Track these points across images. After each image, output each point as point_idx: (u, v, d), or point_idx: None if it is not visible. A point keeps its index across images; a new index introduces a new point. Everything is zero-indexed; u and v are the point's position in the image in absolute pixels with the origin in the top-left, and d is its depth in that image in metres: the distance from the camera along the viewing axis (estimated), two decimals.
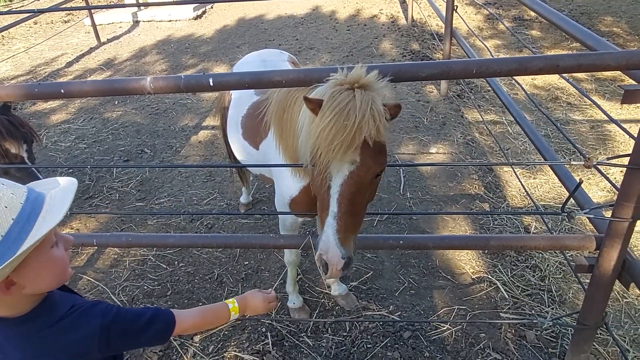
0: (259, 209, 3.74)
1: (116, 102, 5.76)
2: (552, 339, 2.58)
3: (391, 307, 2.79)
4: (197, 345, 2.59)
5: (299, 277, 3.01)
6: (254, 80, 1.84)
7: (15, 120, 2.89)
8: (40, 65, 7.32)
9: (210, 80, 1.95)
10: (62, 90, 2.02)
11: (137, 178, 4.18)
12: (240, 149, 2.63)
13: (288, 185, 2.22)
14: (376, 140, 1.49)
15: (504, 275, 2.99)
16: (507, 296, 2.84)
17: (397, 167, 4.09)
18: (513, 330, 2.63)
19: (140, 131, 5.02)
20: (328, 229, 1.54)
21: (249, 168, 2.93)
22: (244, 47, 7.31)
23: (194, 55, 7.23)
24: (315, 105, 1.54)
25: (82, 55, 7.63)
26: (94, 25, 8.07)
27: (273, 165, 2.16)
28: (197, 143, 4.73)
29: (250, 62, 2.93)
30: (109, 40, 8.26)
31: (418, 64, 1.88)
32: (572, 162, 1.74)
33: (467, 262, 3.11)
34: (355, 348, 2.54)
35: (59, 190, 1.10)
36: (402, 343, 2.56)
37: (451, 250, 3.19)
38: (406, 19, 7.87)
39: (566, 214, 2.02)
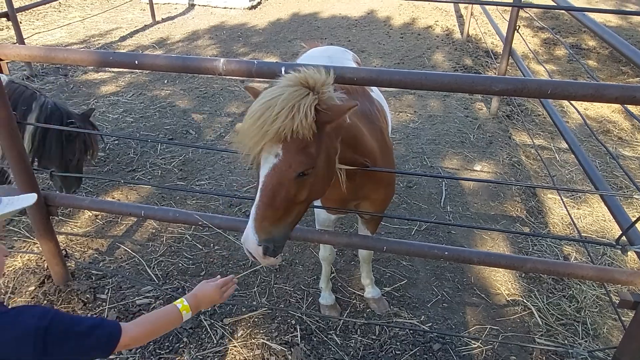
0: None
1: (165, 81, 5.88)
2: None
3: (422, 317, 2.76)
4: (227, 328, 2.61)
5: (332, 275, 3.01)
6: None
7: (80, 135, 3.04)
8: (94, 36, 7.54)
9: (283, 69, 1.97)
10: (136, 62, 2.08)
11: (180, 157, 4.26)
12: None
13: None
14: (296, 138, 1.47)
15: (539, 302, 2.91)
16: (540, 323, 2.77)
17: (440, 180, 4.04)
18: (544, 358, 2.57)
19: (187, 112, 5.11)
20: (250, 217, 1.55)
21: None
22: (295, 42, 7.35)
23: (246, 44, 7.32)
24: (254, 94, 1.63)
25: (136, 32, 7.83)
26: (150, 3, 8.26)
27: None
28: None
29: (315, 57, 2.94)
30: (164, 20, 8.44)
31: (492, 77, 1.85)
32: (634, 196, 1.69)
33: (503, 283, 3.05)
34: (383, 353, 2.52)
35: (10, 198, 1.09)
36: (431, 354, 2.52)
37: (488, 269, 3.14)
38: (461, 34, 7.77)
39: (620, 247, 1.96)
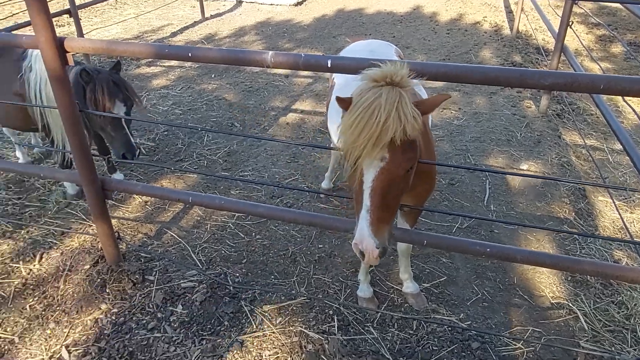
0: (339, 194, 3.77)
1: (212, 76, 6.05)
2: None
3: (462, 315, 2.72)
4: (267, 314, 2.68)
5: (371, 268, 3.02)
6: (365, 68, 1.86)
7: (120, 82, 3.11)
8: (147, 32, 7.86)
9: (329, 62, 2.01)
10: (190, 54, 2.17)
11: (225, 149, 4.39)
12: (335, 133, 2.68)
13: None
14: (403, 139, 1.51)
15: (585, 306, 2.81)
16: (586, 327, 2.67)
17: (483, 178, 3.96)
18: None
19: (232, 105, 5.25)
20: (362, 221, 1.63)
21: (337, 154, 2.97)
22: (340, 37, 7.38)
23: (291, 40, 7.42)
24: (346, 105, 1.60)
25: (186, 28, 8.09)
26: (200, 0, 8.51)
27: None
28: (284, 124, 4.87)
29: (358, 51, 2.96)
30: (212, 17, 8.68)
31: (541, 71, 1.81)
32: None
33: (548, 286, 2.96)
34: (420, 348, 2.51)
35: None
36: (469, 352, 2.49)
37: (532, 270, 3.05)
38: (510, 30, 7.54)
39: None
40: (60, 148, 3.23)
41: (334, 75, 3.02)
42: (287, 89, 5.69)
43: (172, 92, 5.62)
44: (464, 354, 2.49)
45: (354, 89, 2.56)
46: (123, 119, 3.05)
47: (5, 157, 4.25)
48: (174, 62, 6.55)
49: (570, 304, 2.82)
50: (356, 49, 3.03)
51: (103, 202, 2.68)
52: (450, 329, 2.62)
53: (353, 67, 1.93)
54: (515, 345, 2.55)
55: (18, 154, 4.03)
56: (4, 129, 3.85)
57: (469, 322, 2.68)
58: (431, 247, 2.65)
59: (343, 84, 2.74)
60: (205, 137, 4.55)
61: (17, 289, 2.79)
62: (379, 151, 1.54)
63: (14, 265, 2.97)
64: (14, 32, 4.93)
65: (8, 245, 3.14)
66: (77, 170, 2.57)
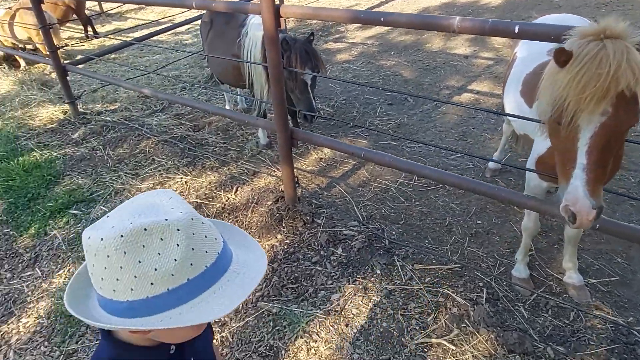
0: (504, 179, 3.67)
1: (392, 53, 6.28)
2: None
3: (631, 319, 2.47)
4: (416, 272, 2.84)
5: (531, 252, 2.92)
6: (559, 34, 1.81)
7: (310, 51, 3.49)
8: None
9: (517, 27, 2.01)
10: (382, 19, 2.38)
11: (396, 121, 4.59)
12: (514, 106, 2.64)
13: (539, 143, 2.20)
14: (632, 93, 1.42)
15: None
16: None
17: None
18: None
19: (407, 82, 5.40)
20: (576, 180, 1.55)
21: (516, 130, 2.90)
22: (529, 20, 6.86)
23: None
24: (565, 57, 1.49)
25: (372, 8, 8.45)
26: None
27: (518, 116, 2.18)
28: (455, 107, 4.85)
29: (548, 24, 2.81)
30: None
31: None
32: None
33: None
34: (575, 339, 2.38)
35: (247, 263, 0.96)
36: (633, 356, 2.27)
37: None
38: None
39: None
40: (259, 100, 3.83)
41: (517, 49, 2.93)
42: (465, 69, 5.59)
43: (352, 66, 6.02)
44: (625, 356, 2.28)
45: (536, 58, 2.49)
46: (308, 85, 3.47)
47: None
48: (357, 39, 6.96)
49: None
50: (546, 22, 2.88)
51: (290, 149, 3.14)
52: (613, 328, 2.41)
53: (544, 33, 1.90)
54: None
55: (227, 106, 4.88)
56: (221, 85, 4.71)
57: (638, 329, 2.42)
58: (602, 232, 2.41)
59: (527, 57, 2.66)
60: (379, 109, 4.82)
61: (217, 211, 3.48)
62: (604, 105, 1.47)
63: (217, 192, 3.68)
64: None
65: (214, 177, 3.89)
66: (274, 118, 3.06)
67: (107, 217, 0.88)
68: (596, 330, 2.42)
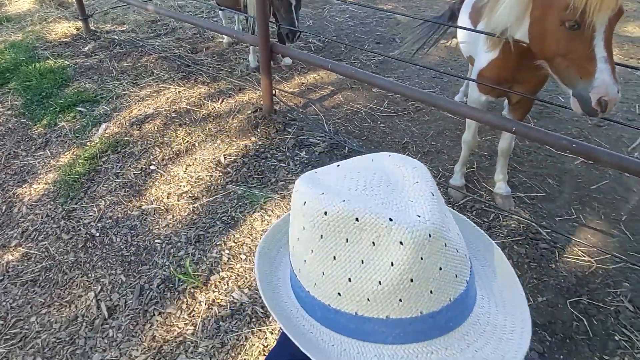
0: None
1: None
2: None
3: (544, 222, 2.85)
4: None
5: (473, 168, 3.28)
6: None
7: None
8: None
9: None
10: None
11: (380, 58, 4.88)
12: (463, 31, 2.94)
13: (480, 59, 2.50)
14: None
15: None
16: None
17: None
18: None
19: (400, 24, 5.64)
20: (603, 73, 1.80)
21: (464, 54, 3.20)
22: None
23: None
24: None
25: None
26: None
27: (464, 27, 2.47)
28: (442, 46, 5.10)
29: None
30: None
31: None
32: None
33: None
34: (488, 232, 2.78)
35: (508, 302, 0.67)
36: (534, 248, 2.67)
37: None
38: None
39: None
40: (252, 18, 4.15)
41: None
42: None
43: (350, 7, 6.24)
44: (527, 246, 2.67)
45: None
46: (293, 5, 3.78)
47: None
48: None
49: None
50: None
51: (269, 61, 3.49)
52: (525, 227, 2.80)
53: None
54: (585, 258, 2.62)
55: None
56: (220, 11, 5.01)
57: (548, 231, 2.81)
58: (519, 135, 2.71)
59: None
60: (366, 46, 5.10)
61: (203, 116, 3.87)
62: (615, 2, 1.77)
63: (205, 101, 4.07)
64: None
65: (204, 89, 4.28)
66: (258, 33, 3.39)
67: (336, 170, 0.68)
68: (509, 228, 2.81)
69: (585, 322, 2.34)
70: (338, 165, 0.70)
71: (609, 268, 2.57)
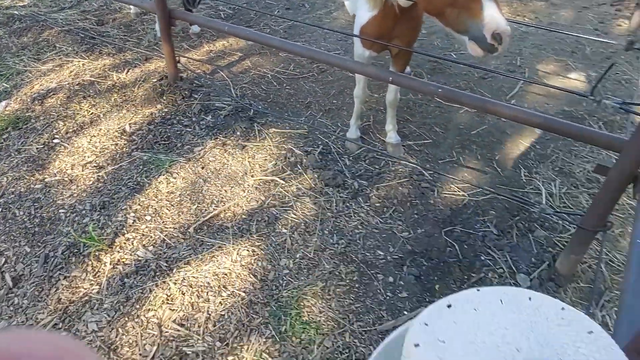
0: None
1: None
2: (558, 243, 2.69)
3: (428, 165, 3.16)
4: (270, 134, 3.39)
5: (369, 122, 3.53)
6: None
7: None
8: None
9: None
10: None
11: (289, 23, 4.99)
12: None
13: (361, 16, 2.69)
14: None
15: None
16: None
17: (520, 80, 4.05)
18: (527, 224, 2.80)
19: None
20: (489, 9, 1.90)
21: (350, 13, 3.39)
22: None
23: None
24: None
25: None
26: None
27: None
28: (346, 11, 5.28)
29: None
30: None
31: None
32: None
33: (523, 165, 3.21)
34: (378, 177, 3.05)
35: None
36: (416, 187, 2.97)
37: (520, 147, 3.30)
38: None
39: (594, 98, 2.09)
40: None
41: None
42: None
43: None
44: (411, 187, 2.97)
45: None
46: None
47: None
48: None
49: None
50: None
51: (169, 27, 3.52)
52: (410, 172, 3.10)
53: None
54: (460, 193, 2.96)
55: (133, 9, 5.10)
56: None
57: (430, 172, 3.12)
58: (395, 84, 2.91)
59: None
60: (276, 11, 5.18)
61: (108, 87, 3.86)
62: None
63: (110, 72, 4.05)
64: None
65: (109, 60, 4.23)
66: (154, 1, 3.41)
67: (468, 325, 0.51)
68: (397, 172, 3.10)
69: (457, 247, 2.68)
70: (474, 310, 0.50)
71: (479, 200, 2.92)
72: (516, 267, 2.59)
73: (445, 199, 2.93)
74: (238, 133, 3.39)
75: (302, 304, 2.36)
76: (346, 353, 2.18)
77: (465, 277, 2.59)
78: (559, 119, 2.44)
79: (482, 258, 2.65)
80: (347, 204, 2.88)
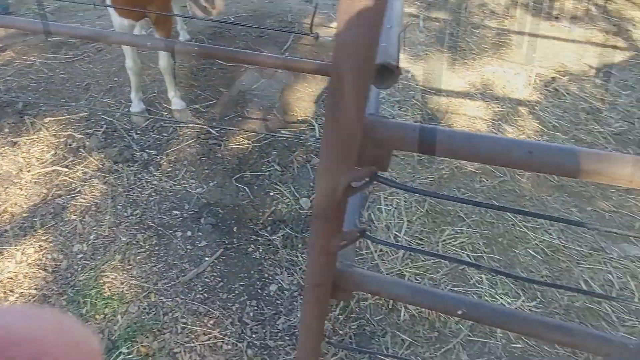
0: None
1: None
2: None
3: (214, 124, 3.35)
4: (46, 124, 3.22)
5: (154, 94, 3.57)
6: None
7: None
8: None
9: None
10: None
11: (57, 5, 4.64)
12: None
13: None
14: None
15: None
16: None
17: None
18: (305, 156, 3.19)
19: None
20: None
21: None
22: None
23: None
24: None
25: None
26: None
27: None
28: None
29: None
30: None
31: None
32: None
33: (300, 110, 3.60)
34: (165, 143, 3.16)
35: None
36: (204, 145, 3.16)
37: (295, 100, 3.67)
38: None
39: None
40: None
41: None
42: None
43: None
44: (199, 146, 3.15)
45: None
46: None
47: None
48: None
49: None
50: None
51: None
52: (198, 132, 3.26)
53: None
54: (245, 142, 3.23)
55: None
56: None
57: (217, 129, 3.32)
58: (154, 49, 3.06)
59: None
60: None
61: None
62: None
63: None
64: None
65: None
66: None
67: None
68: (185, 136, 3.24)
69: (248, 190, 2.96)
70: None
71: (262, 144, 3.23)
72: (299, 193, 2.97)
73: (232, 150, 3.17)
74: (6, 130, 3.14)
75: (101, 281, 2.40)
76: (153, 312, 2.32)
77: (260, 213, 2.89)
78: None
79: (271, 193, 2.98)
80: (139, 176, 2.94)
